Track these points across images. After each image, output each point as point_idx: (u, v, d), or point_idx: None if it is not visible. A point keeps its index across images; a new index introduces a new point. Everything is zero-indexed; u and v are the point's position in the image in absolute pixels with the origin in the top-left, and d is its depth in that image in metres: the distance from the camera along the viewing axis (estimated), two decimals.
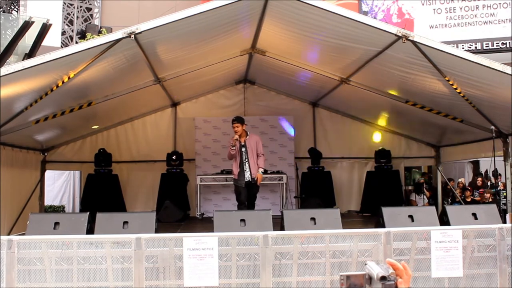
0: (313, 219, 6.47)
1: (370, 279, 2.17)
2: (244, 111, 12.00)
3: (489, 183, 13.72)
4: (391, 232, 5.44)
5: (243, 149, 8.73)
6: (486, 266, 5.60)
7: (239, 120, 8.77)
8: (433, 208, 7.20)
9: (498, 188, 10.69)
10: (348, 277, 2.19)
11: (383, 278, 2.11)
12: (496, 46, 14.31)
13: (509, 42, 14.18)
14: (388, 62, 7.78)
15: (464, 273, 5.46)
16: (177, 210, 10.40)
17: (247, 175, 8.70)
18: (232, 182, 9.30)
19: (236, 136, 8.64)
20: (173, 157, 11.55)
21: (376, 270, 2.15)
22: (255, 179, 8.70)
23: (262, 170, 8.89)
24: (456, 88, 7.47)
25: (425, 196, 12.90)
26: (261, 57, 9.57)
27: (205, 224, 9.51)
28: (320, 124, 12.45)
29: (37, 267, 5.21)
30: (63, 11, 19.30)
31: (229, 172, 10.28)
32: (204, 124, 11.96)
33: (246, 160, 8.71)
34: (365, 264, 2.21)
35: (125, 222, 6.34)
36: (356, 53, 7.92)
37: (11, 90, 6.63)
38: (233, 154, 8.70)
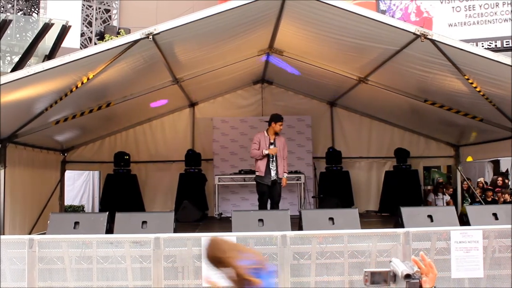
0: (331, 219, 6.45)
1: (394, 276, 2.16)
2: (262, 111, 12.00)
3: (509, 183, 13.55)
4: (410, 232, 5.40)
5: (272, 147, 8.73)
6: (508, 267, 5.53)
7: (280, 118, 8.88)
8: (453, 208, 7.14)
9: None
10: (372, 273, 2.18)
11: (407, 276, 2.09)
12: None
13: None
14: (406, 61, 7.72)
15: (485, 274, 5.40)
16: (195, 210, 10.43)
17: (273, 173, 8.67)
18: (250, 182, 9.30)
19: (274, 151, 8.67)
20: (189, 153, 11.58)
21: (401, 267, 2.13)
22: (281, 178, 8.70)
23: (287, 173, 8.91)
24: (475, 87, 7.38)
25: (444, 196, 12.77)
26: (279, 57, 9.56)
27: (223, 224, 9.54)
28: (338, 124, 12.39)
29: (57, 266, 5.27)
30: (82, 13, 19.51)
31: (247, 172, 10.30)
32: (222, 124, 11.98)
33: (274, 159, 8.68)
34: (390, 261, 2.20)
35: (144, 222, 6.38)
36: (374, 52, 7.88)
37: (32, 91, 6.71)
38: (261, 157, 8.71)
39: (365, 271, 2.19)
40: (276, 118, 8.82)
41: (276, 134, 8.85)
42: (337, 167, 11.81)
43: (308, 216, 6.61)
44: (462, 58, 6.71)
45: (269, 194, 8.74)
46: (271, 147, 8.68)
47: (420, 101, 9.19)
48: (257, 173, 8.87)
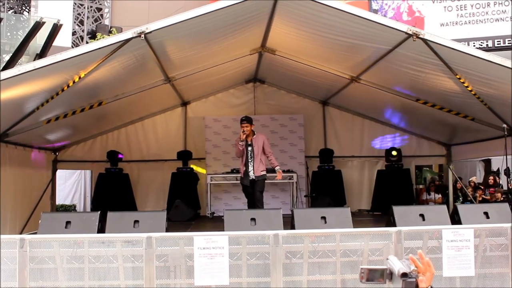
0: (323, 218, 6.46)
1: (391, 274, 2.14)
2: (254, 110, 12.01)
3: (500, 182, 13.61)
4: (402, 231, 5.41)
5: (249, 148, 8.73)
6: (499, 266, 5.56)
7: (248, 120, 8.74)
8: (444, 207, 7.15)
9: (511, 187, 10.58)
10: (369, 271, 2.16)
11: (404, 275, 2.07)
12: (508, 43, 14.19)
13: None
14: (398, 61, 7.74)
15: (476, 273, 5.42)
16: (187, 209, 10.42)
17: (251, 174, 8.69)
18: None
19: (245, 132, 8.60)
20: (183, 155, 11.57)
21: (397, 266, 2.12)
22: (259, 177, 8.65)
23: (279, 167, 8.87)
24: (467, 86, 7.42)
25: (435, 195, 12.83)
26: (271, 56, 9.56)
27: (215, 223, 9.54)
28: (331, 123, 12.42)
29: (49, 265, 5.24)
30: (73, 12, 19.42)
31: (239, 171, 10.27)
32: (214, 123, 11.97)
33: (252, 159, 8.70)
34: (387, 259, 2.18)
35: (136, 221, 6.36)
36: (367, 51, 7.89)
37: (23, 90, 6.68)
38: (242, 149, 8.67)
39: (362, 268, 2.17)
40: (240, 120, 8.82)
41: (253, 134, 8.83)
42: (329, 166, 11.83)
43: (300, 215, 6.62)
44: (454, 57, 6.73)
45: (251, 193, 8.78)
46: (249, 148, 8.69)
47: (412, 100, 9.22)
48: (240, 174, 8.97)
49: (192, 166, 11.86)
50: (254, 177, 8.64)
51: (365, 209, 11.95)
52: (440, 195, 12.87)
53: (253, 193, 8.69)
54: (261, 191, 8.71)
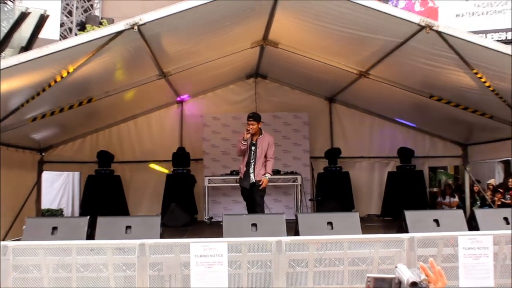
0: (330, 223, 6.44)
1: (399, 283, 2.13)
2: (256, 107, 11.99)
3: None
4: (415, 237, 5.40)
5: (253, 148, 8.57)
6: None
7: (255, 117, 8.50)
8: (461, 211, 7.14)
9: None
10: (375, 279, 2.16)
11: (413, 284, 2.07)
12: None
13: None
14: (410, 54, 7.73)
15: (496, 283, 5.41)
16: (183, 214, 10.42)
17: (252, 176, 8.58)
18: None
19: (250, 131, 8.38)
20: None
21: (406, 274, 2.11)
22: (260, 182, 8.49)
23: (270, 175, 8.60)
24: (485, 82, 7.40)
25: (451, 198, 12.81)
26: (274, 50, 9.56)
27: (213, 229, 9.55)
28: (338, 121, 12.42)
29: (34, 275, 5.23)
30: (61, 1, 19.41)
31: (239, 172, 10.24)
32: (212, 122, 11.97)
33: (253, 161, 8.57)
34: (395, 267, 2.18)
35: (128, 227, 6.35)
36: (376, 44, 7.88)
37: (6, 86, 6.65)
38: (244, 149, 8.51)
39: (368, 276, 2.17)
40: (247, 117, 8.61)
41: (260, 133, 8.69)
42: (336, 168, 11.83)
43: (305, 220, 6.60)
44: (470, 51, 6.72)
45: (250, 197, 8.67)
46: (253, 148, 8.57)
47: (426, 97, 9.21)
48: (239, 175, 8.85)
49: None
50: (254, 180, 8.52)
51: (374, 214, 11.94)
52: (456, 199, 12.85)
53: (253, 198, 8.58)
54: (262, 195, 8.56)
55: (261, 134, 8.66)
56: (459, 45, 6.67)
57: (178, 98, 11.87)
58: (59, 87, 7.25)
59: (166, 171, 11.84)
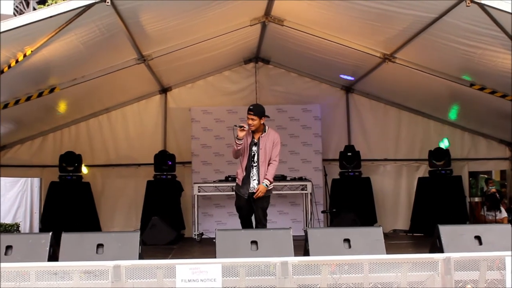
0: (347, 240, 6.44)
1: None
2: (256, 99, 12.00)
3: None
4: (452, 258, 5.40)
5: (254, 148, 8.08)
6: None
7: (256, 110, 7.91)
8: (509, 226, 7.12)
9: None
10: None
11: None
12: None
13: None
14: (446, 33, 7.73)
15: None
16: (167, 229, 10.42)
17: (254, 184, 8.02)
18: None
19: (245, 129, 7.87)
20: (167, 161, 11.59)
21: None
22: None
23: (268, 182, 7.99)
24: None
25: (497, 213, 12.79)
26: (278, 28, 9.57)
27: (204, 247, 9.58)
28: (356, 116, 12.43)
29: None
30: None
31: (235, 178, 10.11)
32: (203, 116, 11.98)
33: (256, 164, 8.14)
34: None
35: (100, 245, 6.35)
36: (404, 21, 7.88)
37: None
38: (239, 150, 8.04)
39: None
40: (248, 109, 7.99)
41: (264, 131, 8.07)
42: (354, 173, 11.82)
43: (316, 237, 6.60)
44: None
45: (248, 209, 8.09)
46: (254, 148, 8.17)
47: (465, 86, 9.21)
48: (236, 181, 8.33)
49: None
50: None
51: (402, 229, 11.96)
52: (504, 213, 12.80)
53: (252, 211, 8.17)
54: (264, 208, 8.07)
55: (265, 131, 8.10)
56: (507, 20, 6.67)
57: None
58: (13, 74, 7.25)
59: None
